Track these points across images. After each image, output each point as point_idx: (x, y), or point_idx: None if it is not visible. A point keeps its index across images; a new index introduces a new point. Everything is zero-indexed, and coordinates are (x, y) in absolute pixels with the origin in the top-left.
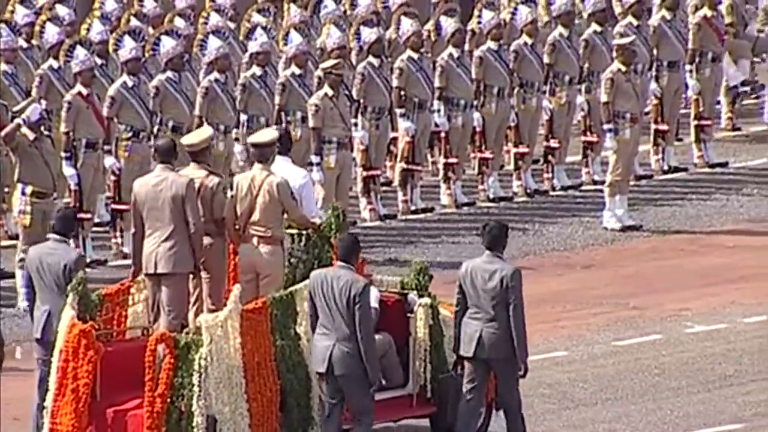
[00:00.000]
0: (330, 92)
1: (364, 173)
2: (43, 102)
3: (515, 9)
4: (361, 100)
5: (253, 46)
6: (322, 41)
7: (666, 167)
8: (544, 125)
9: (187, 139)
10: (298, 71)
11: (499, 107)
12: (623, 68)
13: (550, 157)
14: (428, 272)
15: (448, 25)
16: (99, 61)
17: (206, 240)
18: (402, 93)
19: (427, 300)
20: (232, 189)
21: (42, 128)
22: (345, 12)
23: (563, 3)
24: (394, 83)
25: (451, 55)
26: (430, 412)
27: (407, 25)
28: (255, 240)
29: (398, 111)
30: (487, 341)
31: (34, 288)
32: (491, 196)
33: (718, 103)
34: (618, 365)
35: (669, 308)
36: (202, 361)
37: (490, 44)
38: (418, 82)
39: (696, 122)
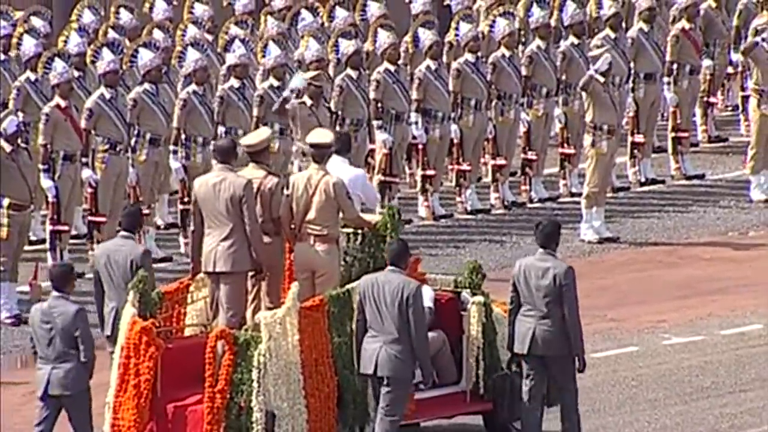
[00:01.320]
0: (309, 102)
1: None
2: (20, 114)
3: (493, 21)
4: (339, 112)
5: (231, 59)
6: (300, 53)
7: (643, 179)
8: (521, 137)
9: (246, 140)
10: (276, 83)
11: (476, 119)
12: (601, 79)
13: (527, 169)
14: (481, 271)
15: (426, 37)
16: (76, 74)
17: (265, 239)
18: (379, 105)
19: (480, 298)
20: (288, 188)
21: (19, 140)
22: (323, 24)
23: (541, 15)
24: (372, 95)
25: (428, 67)
26: (483, 409)
27: (384, 38)
28: (311, 239)
29: (375, 123)
30: (540, 338)
31: (102, 286)
32: (469, 209)
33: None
34: (595, 377)
35: (646, 320)
36: (261, 358)
37: (468, 56)
38: (395, 94)
39: (673, 134)
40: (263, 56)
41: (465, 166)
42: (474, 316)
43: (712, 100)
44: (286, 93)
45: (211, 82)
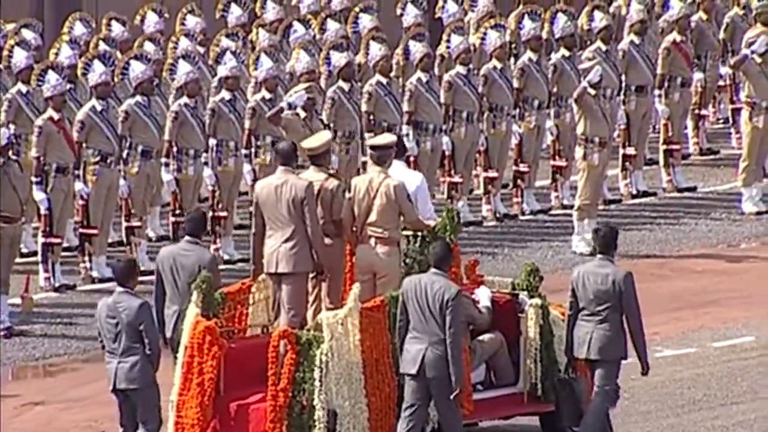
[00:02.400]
0: (303, 114)
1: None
2: (12, 126)
3: (484, 34)
4: (332, 125)
5: (222, 71)
6: (291, 66)
7: (635, 192)
8: (513, 150)
9: (307, 143)
10: (268, 95)
11: (468, 131)
12: (592, 91)
13: (519, 182)
14: (539, 273)
15: (417, 49)
16: (68, 86)
17: (326, 241)
18: (371, 117)
19: (537, 300)
20: (350, 191)
21: (10, 152)
22: (314, 36)
23: (532, 27)
24: (363, 108)
25: (419, 79)
26: (540, 411)
27: (376, 50)
28: (372, 241)
29: (367, 135)
30: (596, 343)
31: (164, 289)
32: (461, 221)
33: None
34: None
35: None
36: (323, 357)
37: (459, 69)
38: (387, 107)
39: (665, 147)
40: (255, 68)
41: (457, 179)
42: (531, 318)
43: (703, 112)
44: (283, 104)
45: (203, 95)
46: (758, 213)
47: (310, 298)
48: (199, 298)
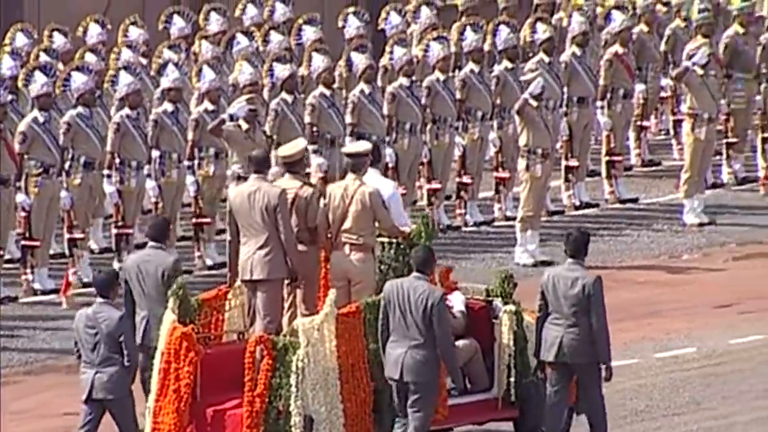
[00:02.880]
0: (245, 126)
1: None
2: None
3: (427, 45)
4: (275, 137)
5: (165, 82)
6: (234, 77)
7: (577, 203)
8: (456, 161)
9: (282, 151)
10: (211, 107)
11: (411, 143)
12: (534, 103)
13: (462, 193)
14: (513, 280)
15: (360, 61)
16: (9, 97)
17: (300, 248)
18: (314, 129)
19: (511, 307)
20: (324, 198)
21: None
22: (258, 48)
23: (474, 39)
24: (307, 119)
25: (362, 91)
26: (514, 416)
27: (319, 62)
28: (347, 248)
29: (310, 147)
30: (568, 346)
31: (133, 297)
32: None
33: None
34: None
35: None
36: (300, 363)
37: (402, 80)
38: (330, 119)
39: (607, 158)
40: (198, 80)
41: (400, 190)
42: (506, 325)
43: (645, 124)
44: (224, 116)
45: (145, 106)
46: (700, 224)
47: (286, 305)
48: (175, 305)
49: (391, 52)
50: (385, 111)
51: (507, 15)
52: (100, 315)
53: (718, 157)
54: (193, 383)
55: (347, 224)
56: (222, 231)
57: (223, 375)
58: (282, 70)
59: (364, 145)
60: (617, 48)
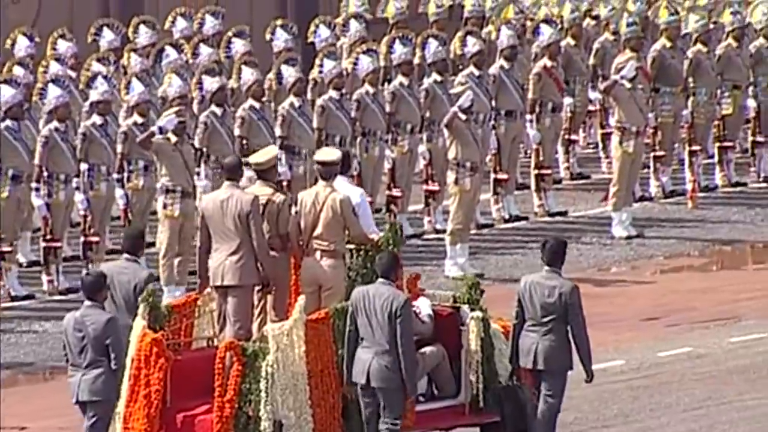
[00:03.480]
0: (174, 139)
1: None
2: None
3: (357, 58)
4: (204, 149)
5: (94, 95)
6: (163, 90)
7: (507, 216)
8: (386, 174)
9: (254, 158)
10: (140, 120)
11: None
12: (463, 116)
13: (392, 206)
14: (480, 287)
15: (290, 74)
16: None
17: (271, 254)
18: (244, 142)
19: (478, 313)
20: (296, 205)
21: None
22: (187, 61)
23: (403, 52)
24: (236, 132)
25: (292, 104)
26: (481, 422)
27: (248, 74)
28: (318, 254)
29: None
30: (543, 353)
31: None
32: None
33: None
34: None
35: None
36: (269, 368)
37: (332, 93)
38: (259, 131)
39: (536, 171)
40: (127, 93)
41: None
42: (473, 331)
43: (573, 137)
44: (153, 129)
45: (74, 119)
46: (628, 237)
47: (256, 311)
48: (145, 311)
49: (321, 65)
50: (315, 124)
51: (436, 28)
52: (88, 318)
53: (645, 171)
54: (164, 389)
55: (318, 231)
56: (151, 244)
57: (192, 381)
58: (211, 83)
59: (334, 153)
60: (546, 61)
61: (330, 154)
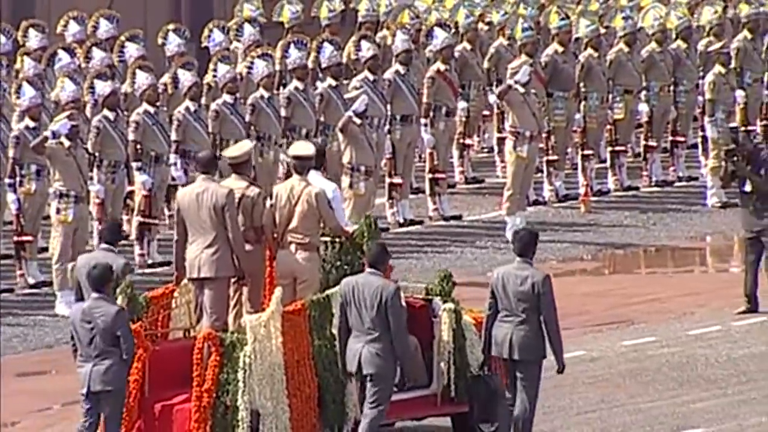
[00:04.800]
0: (67, 143)
1: (100, 227)
2: None
3: (251, 63)
4: (97, 154)
5: None
6: (56, 94)
7: (401, 220)
8: (280, 178)
9: (229, 152)
10: (32, 124)
11: None
12: (358, 121)
13: None
14: (452, 279)
15: (185, 78)
16: None
17: (247, 247)
18: (138, 146)
19: (450, 305)
20: (271, 198)
21: None
22: (80, 65)
23: (298, 56)
24: (130, 137)
25: (187, 108)
26: (453, 411)
27: (143, 79)
28: (293, 246)
29: (135, 164)
30: (517, 343)
31: (82, 295)
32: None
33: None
34: None
35: None
36: (247, 359)
37: (226, 97)
38: (154, 136)
39: (431, 176)
40: (18, 97)
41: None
42: (445, 322)
43: (468, 141)
44: (46, 133)
45: None
46: None
47: (232, 303)
48: (123, 302)
49: (215, 70)
50: (210, 128)
51: (329, 32)
52: (96, 310)
53: (539, 175)
54: (142, 379)
55: (293, 224)
56: (44, 249)
57: (170, 371)
58: (103, 87)
59: (309, 148)
60: (439, 65)
61: (305, 148)
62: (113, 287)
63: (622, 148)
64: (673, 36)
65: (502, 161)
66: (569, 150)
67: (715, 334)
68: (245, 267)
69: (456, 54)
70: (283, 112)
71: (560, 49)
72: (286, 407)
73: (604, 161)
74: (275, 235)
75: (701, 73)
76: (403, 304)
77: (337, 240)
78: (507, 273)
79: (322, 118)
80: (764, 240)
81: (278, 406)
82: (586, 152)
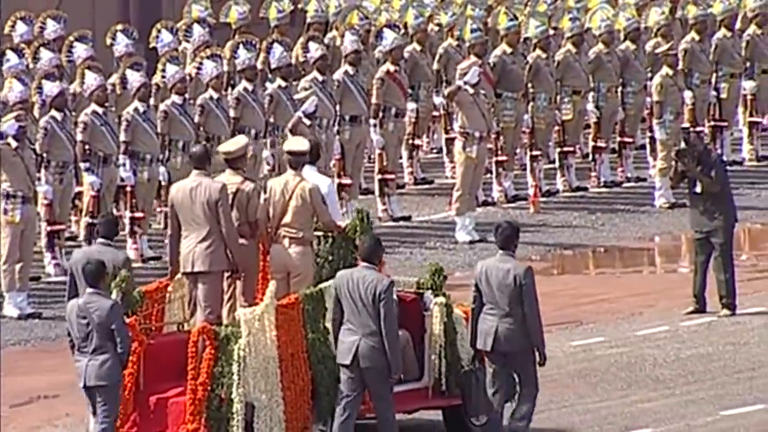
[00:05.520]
0: (14, 144)
1: (49, 228)
2: None
3: (200, 63)
4: (45, 155)
5: None
6: (4, 95)
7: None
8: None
9: (223, 147)
10: None
11: (184, 161)
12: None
13: None
14: (443, 273)
15: (134, 79)
16: None
17: (240, 241)
18: (86, 147)
19: (442, 299)
20: (265, 193)
21: None
22: (28, 66)
23: (247, 57)
24: (78, 137)
25: (136, 109)
26: (444, 405)
27: (91, 79)
28: (286, 241)
29: (83, 165)
30: (503, 335)
31: (77, 290)
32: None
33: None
34: None
35: None
36: (241, 352)
37: (175, 98)
38: (103, 136)
39: (380, 176)
40: None
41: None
42: (436, 316)
43: (417, 142)
44: None
45: None
46: (471, 242)
47: (225, 296)
48: (118, 296)
49: (164, 70)
50: (159, 129)
51: (278, 33)
52: (91, 305)
53: (488, 175)
54: (136, 372)
55: (287, 219)
56: None
57: (164, 364)
58: (51, 88)
59: (304, 144)
60: (389, 66)
61: (299, 144)
62: (115, 281)
63: (571, 148)
64: (621, 37)
65: (452, 162)
66: (518, 151)
67: (663, 335)
68: (239, 261)
69: (405, 55)
70: (232, 113)
71: (509, 50)
72: (281, 400)
73: (553, 162)
74: (269, 230)
75: (649, 74)
76: (395, 298)
77: (330, 235)
78: (489, 266)
79: (271, 119)
80: (713, 241)
81: (272, 399)
82: (534, 153)
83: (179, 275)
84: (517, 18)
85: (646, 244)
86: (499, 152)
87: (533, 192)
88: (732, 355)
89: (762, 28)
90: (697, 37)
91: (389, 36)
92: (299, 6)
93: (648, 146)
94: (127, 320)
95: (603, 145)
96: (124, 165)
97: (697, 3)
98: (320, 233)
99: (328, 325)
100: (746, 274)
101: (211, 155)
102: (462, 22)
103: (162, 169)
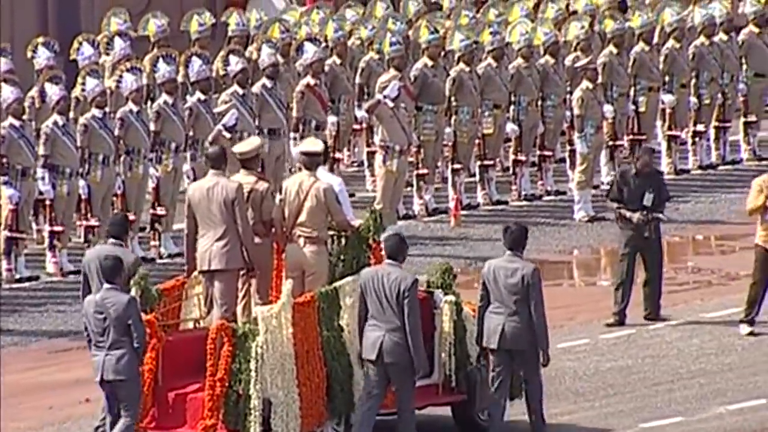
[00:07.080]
0: None
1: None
2: None
3: (120, 77)
4: None
5: None
6: None
7: None
8: (150, 193)
9: (238, 148)
10: None
11: (105, 174)
12: (227, 135)
13: (157, 225)
14: (453, 272)
15: (54, 92)
16: None
17: (255, 240)
18: (4, 160)
19: (451, 297)
20: (280, 193)
21: None
22: None
23: (167, 70)
24: None
25: (56, 122)
26: (454, 401)
27: (8, 92)
28: (301, 240)
29: (0, 178)
30: (509, 333)
31: (89, 288)
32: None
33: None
34: None
35: None
36: (259, 349)
37: (95, 112)
38: (20, 149)
39: None
40: None
41: (93, 222)
42: (446, 314)
43: (338, 155)
44: None
45: None
46: None
47: (240, 294)
48: (137, 294)
49: (83, 83)
50: (78, 142)
51: (199, 46)
52: (108, 300)
53: (409, 189)
54: (155, 368)
55: (302, 218)
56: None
57: (182, 361)
58: None
59: (318, 145)
60: (309, 79)
61: (314, 144)
62: (126, 282)
63: (491, 162)
64: (541, 51)
65: (372, 175)
66: (439, 164)
67: (583, 347)
68: (254, 259)
69: (326, 68)
70: (152, 126)
71: (430, 63)
72: (297, 396)
73: (474, 175)
74: (284, 229)
75: (569, 88)
76: (419, 296)
77: (343, 234)
78: (497, 266)
79: (191, 132)
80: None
81: (289, 395)
82: (456, 166)
83: (195, 273)
84: (438, 31)
85: (566, 257)
86: (420, 165)
87: (454, 205)
88: (651, 367)
89: (680, 42)
90: (615, 51)
91: (310, 49)
92: (221, 19)
93: (568, 159)
94: (146, 317)
95: (523, 158)
96: (43, 178)
97: (615, 17)
98: (333, 233)
99: (342, 323)
100: (665, 287)
101: (227, 156)
102: (382, 36)
103: (82, 182)
